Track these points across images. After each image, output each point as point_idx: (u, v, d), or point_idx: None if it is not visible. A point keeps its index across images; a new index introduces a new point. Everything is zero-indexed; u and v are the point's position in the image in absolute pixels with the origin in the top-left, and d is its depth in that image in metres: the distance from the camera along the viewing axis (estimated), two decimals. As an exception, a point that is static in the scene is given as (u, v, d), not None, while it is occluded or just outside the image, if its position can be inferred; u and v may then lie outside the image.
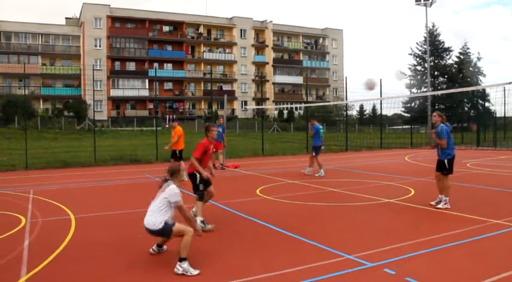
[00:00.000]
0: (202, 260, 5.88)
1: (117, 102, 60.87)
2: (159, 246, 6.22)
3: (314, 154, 15.16)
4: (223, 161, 17.27)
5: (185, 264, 5.40)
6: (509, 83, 11.03)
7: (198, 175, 7.81)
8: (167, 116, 55.74)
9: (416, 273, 5.22)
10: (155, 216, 5.69)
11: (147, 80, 61.84)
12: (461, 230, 7.24)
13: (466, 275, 5.20)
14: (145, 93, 61.38)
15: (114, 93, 60.01)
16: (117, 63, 61.86)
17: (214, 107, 58.41)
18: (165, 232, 5.71)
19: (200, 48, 67.25)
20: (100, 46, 60.09)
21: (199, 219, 7.60)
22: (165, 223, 5.68)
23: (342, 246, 6.31)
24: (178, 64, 65.44)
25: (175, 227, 5.67)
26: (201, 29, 67.44)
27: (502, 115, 33.91)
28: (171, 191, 5.75)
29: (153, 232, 5.75)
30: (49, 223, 8.13)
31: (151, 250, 6.20)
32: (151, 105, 61.28)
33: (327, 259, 5.79)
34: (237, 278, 5.14)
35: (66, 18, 64.39)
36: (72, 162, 18.57)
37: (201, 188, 7.85)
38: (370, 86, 13.09)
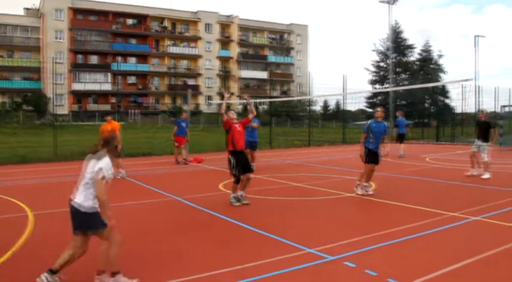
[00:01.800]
0: (164, 255, 5.85)
1: (78, 96, 59.68)
2: (53, 272, 4.69)
3: (257, 150, 15.07)
4: (186, 156, 17.16)
5: (121, 277, 4.69)
6: (466, 80, 11.38)
7: (231, 159, 8.89)
8: (130, 111, 55.12)
9: (375, 266, 5.31)
10: (84, 194, 4.69)
11: (109, 74, 60.79)
12: (420, 223, 7.41)
13: (423, 266, 5.32)
14: (108, 87, 60.36)
15: (76, 87, 58.82)
16: (80, 56, 60.64)
17: (178, 102, 58.03)
18: (95, 221, 4.66)
19: (164, 42, 66.57)
20: (61, 38, 58.71)
21: (232, 195, 8.99)
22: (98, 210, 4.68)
23: (303, 240, 6.36)
24: (142, 58, 64.63)
25: (112, 223, 4.72)
26: (166, 23, 66.76)
27: (460, 111, 34.92)
28: (105, 163, 4.73)
29: (79, 217, 4.68)
30: (4, 220, 7.91)
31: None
32: (114, 100, 60.29)
33: (287, 253, 5.83)
34: (198, 273, 5.12)
35: (25, 8, 62.63)
36: (31, 157, 18.08)
37: (235, 172, 8.87)
38: None
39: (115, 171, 13.28)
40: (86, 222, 4.71)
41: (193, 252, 6.00)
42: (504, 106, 28.12)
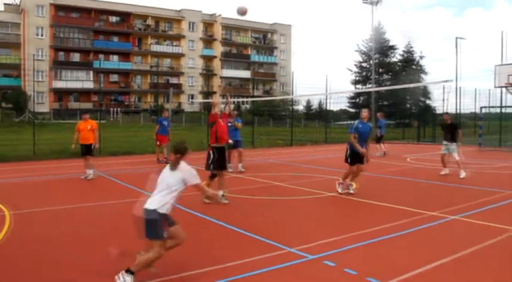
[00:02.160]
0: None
1: (60, 94, 59.02)
2: (130, 272, 4.72)
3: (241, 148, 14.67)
4: (168, 154, 17.05)
5: (129, 278, 4.65)
6: (446, 81, 11.51)
7: (212, 154, 8.96)
8: (111, 109, 54.61)
9: (354, 265, 5.34)
10: (160, 201, 4.88)
11: (91, 72, 60.24)
12: (400, 222, 7.48)
13: (402, 265, 5.37)
14: (89, 85, 59.78)
15: (57, 84, 58.16)
16: (61, 54, 59.94)
17: (161, 100, 57.60)
18: (158, 227, 4.76)
19: (147, 40, 66.20)
20: (42, 35, 58.01)
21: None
22: (165, 214, 4.85)
23: (284, 240, 6.37)
24: (124, 56, 64.20)
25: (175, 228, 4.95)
26: (149, 21, 66.40)
27: (441, 112, 35.27)
28: (189, 171, 5.06)
29: (150, 222, 4.79)
30: (-19, 219, 7.77)
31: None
32: (95, 98, 59.70)
33: (268, 252, 5.84)
34: (178, 273, 5.10)
35: (5, 4, 61.57)
36: (9, 156, 17.78)
37: (211, 167, 8.96)
38: (241, 12, 12.76)
39: (95, 170, 13.12)
40: (151, 228, 4.81)
41: (173, 252, 5.94)
42: (483, 107, 28.48)
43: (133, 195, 10.06)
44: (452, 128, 13.47)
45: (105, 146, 18.97)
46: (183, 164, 5.11)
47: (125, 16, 64.47)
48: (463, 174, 12.72)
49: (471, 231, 7.05)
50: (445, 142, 13.55)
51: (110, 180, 12.64)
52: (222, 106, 10.47)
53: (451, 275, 5.18)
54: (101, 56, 60.57)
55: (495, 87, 24.68)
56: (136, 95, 65.65)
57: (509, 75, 22.64)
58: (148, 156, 18.34)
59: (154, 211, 4.81)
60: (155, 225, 4.79)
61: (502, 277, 5.16)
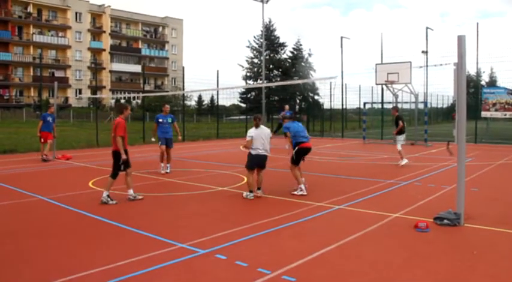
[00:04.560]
0: (29, 258, 5.55)
1: None
2: (259, 188, 9.52)
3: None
4: (53, 152, 16.21)
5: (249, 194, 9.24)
6: (331, 78, 12.07)
7: (126, 155, 8.81)
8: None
9: (245, 257, 5.50)
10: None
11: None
12: (289, 213, 7.79)
13: (291, 254, 5.62)
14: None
15: None
16: None
17: (45, 95, 54.50)
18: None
19: (29, 29, 62.07)
20: None
21: (105, 193, 8.65)
22: None
23: (175, 236, 6.38)
24: (2, 46, 59.56)
25: None
26: (30, 8, 62.19)
27: (329, 107, 36.95)
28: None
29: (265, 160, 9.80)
30: None
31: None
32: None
33: (159, 249, 5.82)
34: (67, 275, 4.92)
35: None
36: None
37: (122, 168, 8.83)
38: None
39: None
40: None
41: (61, 254, 5.75)
42: (366, 103, 30.24)
43: (13, 197, 9.44)
44: (396, 120, 14.22)
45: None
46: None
47: (1, 1, 59.73)
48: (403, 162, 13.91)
49: (355, 219, 7.53)
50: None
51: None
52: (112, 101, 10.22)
53: (338, 259, 5.54)
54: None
55: (376, 84, 26.30)
56: (18, 89, 61.37)
57: (388, 73, 24.27)
58: (33, 155, 17.29)
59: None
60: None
61: (383, 257, 5.57)
